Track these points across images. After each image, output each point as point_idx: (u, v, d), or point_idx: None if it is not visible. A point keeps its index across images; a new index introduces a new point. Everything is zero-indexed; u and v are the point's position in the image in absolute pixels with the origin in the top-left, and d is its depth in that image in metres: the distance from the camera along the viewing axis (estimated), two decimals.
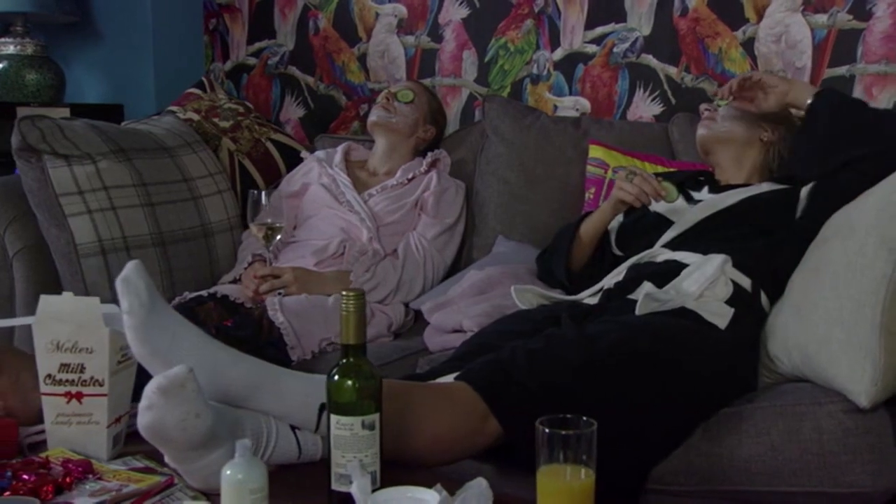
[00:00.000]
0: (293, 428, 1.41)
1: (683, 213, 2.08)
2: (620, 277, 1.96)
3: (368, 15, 3.20)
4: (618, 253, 2.14)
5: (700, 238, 1.99)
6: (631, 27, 2.80)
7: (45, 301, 1.41)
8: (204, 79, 3.06)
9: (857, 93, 2.53)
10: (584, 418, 1.15)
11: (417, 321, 2.38)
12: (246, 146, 2.81)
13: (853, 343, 1.57)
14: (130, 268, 1.32)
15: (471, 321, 2.01)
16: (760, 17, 2.63)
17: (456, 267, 2.56)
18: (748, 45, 2.66)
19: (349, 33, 3.24)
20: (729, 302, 1.83)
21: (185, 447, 1.25)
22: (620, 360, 1.62)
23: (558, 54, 2.91)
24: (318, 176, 2.61)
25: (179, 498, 1.28)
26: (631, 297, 1.86)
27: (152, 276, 2.30)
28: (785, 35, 2.62)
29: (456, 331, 2.06)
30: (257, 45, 3.44)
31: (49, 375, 1.41)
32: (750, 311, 1.84)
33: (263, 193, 2.23)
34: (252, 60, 3.45)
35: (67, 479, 1.23)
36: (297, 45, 3.35)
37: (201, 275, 2.46)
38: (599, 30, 2.84)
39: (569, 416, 1.15)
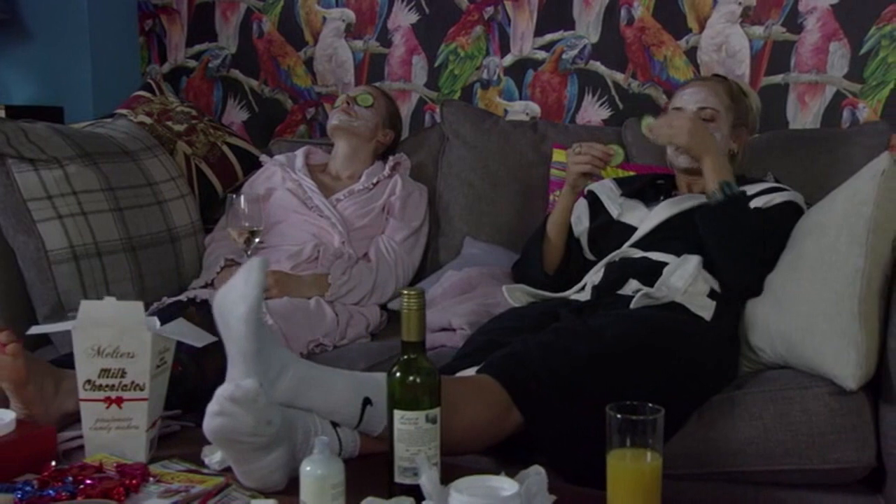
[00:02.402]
0: (334, 426, 1.45)
1: (646, 216, 2.18)
2: (601, 274, 2.06)
3: (315, 19, 3.22)
4: (590, 257, 2.23)
5: (669, 239, 2.09)
6: (579, 35, 2.91)
7: (86, 306, 1.40)
8: (151, 81, 3.02)
9: (791, 100, 2.72)
10: (650, 405, 1.22)
11: (391, 322, 2.43)
12: (202, 150, 2.79)
13: (836, 332, 1.71)
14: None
15: (459, 319, 2.07)
16: (702, 27, 2.79)
17: (422, 268, 2.61)
18: (691, 53, 2.81)
19: (295, 37, 3.25)
20: (709, 296, 1.95)
21: (251, 449, 1.28)
22: (625, 352, 1.72)
23: (508, 60, 3.00)
24: (281, 180, 2.62)
25: (236, 497, 1.30)
26: (620, 292, 1.97)
27: (124, 283, 2.31)
28: (725, 45, 2.78)
29: (444, 329, 2.11)
30: (197, 47, 3.41)
31: (89, 381, 1.40)
32: (728, 305, 1.96)
33: (243, 197, 2.23)
34: (192, 63, 3.42)
35: (133, 482, 1.24)
36: (240, 47, 3.34)
37: (169, 280, 2.44)
38: (549, 37, 2.95)
39: (635, 402, 1.22)
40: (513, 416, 1.60)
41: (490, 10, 3.00)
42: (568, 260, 2.20)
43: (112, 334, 1.39)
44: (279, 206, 2.55)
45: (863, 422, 1.71)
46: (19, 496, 1.18)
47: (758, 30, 2.74)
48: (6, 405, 1.54)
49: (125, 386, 1.41)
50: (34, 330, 1.51)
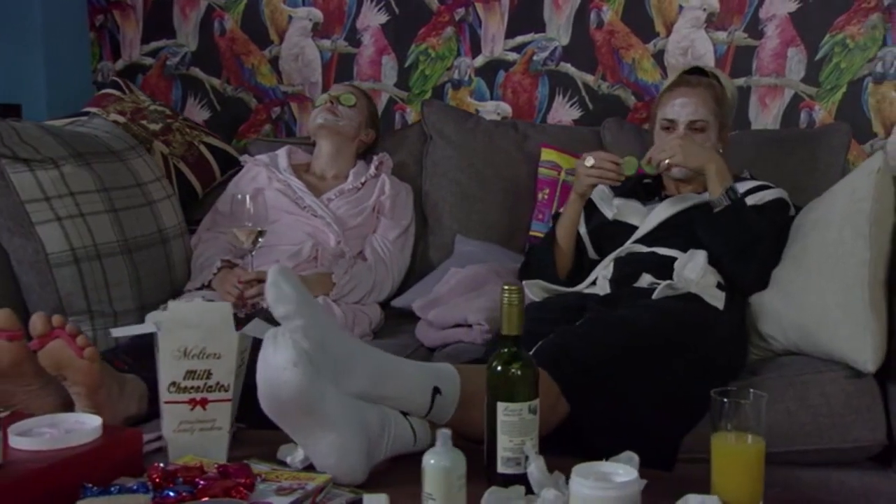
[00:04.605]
0: (405, 415, 1.47)
1: (644, 215, 2.27)
2: (611, 269, 2.15)
3: (281, 18, 3.20)
4: (594, 256, 2.30)
5: (671, 235, 2.18)
6: (550, 37, 2.99)
7: (174, 308, 1.39)
8: (118, 79, 2.95)
9: (753, 102, 2.87)
10: (752, 391, 1.30)
11: (388, 320, 2.45)
12: (179, 150, 2.74)
13: (850, 319, 1.84)
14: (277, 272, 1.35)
15: (476, 315, 2.12)
16: (669, 31, 2.91)
17: (412, 266, 2.64)
18: (658, 56, 2.93)
19: (259, 35, 3.22)
20: (717, 287, 2.06)
21: (294, 408, 1.30)
22: (656, 343, 1.81)
23: (479, 61, 3.06)
24: (268, 181, 2.60)
25: (338, 494, 1.32)
26: (636, 285, 2.06)
27: (123, 285, 2.28)
28: (691, 49, 2.91)
29: (459, 325, 2.16)
30: (153, 44, 3.33)
31: (174, 383, 1.39)
32: (734, 296, 2.08)
33: (248, 197, 2.22)
34: (148, 60, 3.34)
35: (248, 481, 1.24)
36: (200, 45, 3.28)
37: (162, 282, 2.39)
38: (519, 38, 3.02)
39: (736, 387, 1.30)
40: (560, 407, 1.66)
41: (461, 11, 3.05)
42: (580, 263, 2.26)
43: (198, 336, 1.38)
44: (270, 207, 2.50)
45: (875, 403, 1.85)
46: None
47: (721, 35, 2.88)
48: (66, 408, 1.51)
49: (210, 387, 1.40)
50: (117, 332, 1.48)
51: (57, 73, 3.19)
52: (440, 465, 1.21)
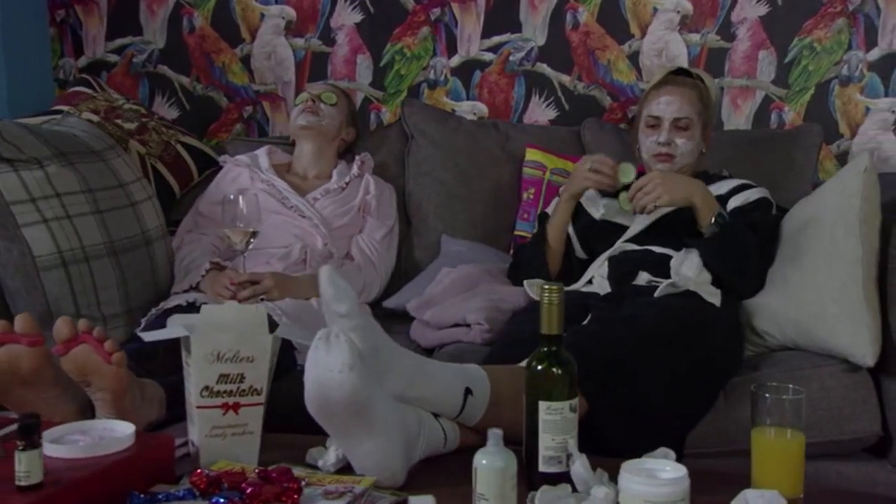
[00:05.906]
0: (436, 417, 1.47)
1: (631, 215, 2.29)
2: (606, 268, 2.17)
3: (252, 16, 3.15)
4: (583, 256, 2.32)
5: (662, 234, 2.22)
6: (526, 37, 3.01)
7: (207, 311, 1.36)
8: (88, 76, 2.87)
9: (725, 103, 2.93)
10: (791, 386, 1.32)
11: (378, 321, 2.42)
12: (156, 149, 2.69)
13: (847, 315, 1.90)
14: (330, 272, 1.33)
15: (475, 315, 2.12)
16: (644, 33, 2.96)
17: (398, 266, 2.63)
18: (633, 57, 2.97)
19: (230, 33, 3.17)
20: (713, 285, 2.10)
21: (343, 410, 1.28)
22: (659, 343, 1.83)
23: (455, 61, 3.06)
24: (250, 181, 2.56)
25: (381, 497, 1.31)
26: (634, 283, 2.09)
27: (111, 289, 2.23)
28: (665, 50, 2.96)
29: (457, 325, 2.15)
30: (119, 41, 3.25)
31: (207, 387, 1.36)
32: (727, 293, 2.12)
33: (241, 197, 2.18)
34: (113, 57, 3.26)
35: (294, 485, 1.22)
36: (168, 43, 3.21)
37: (147, 284, 2.34)
38: (496, 39, 3.03)
39: (775, 383, 1.32)
40: (582, 404, 1.67)
41: (437, 11, 3.05)
42: (570, 262, 2.28)
43: (232, 339, 1.36)
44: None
45: (870, 395, 1.91)
46: None
47: (694, 37, 2.94)
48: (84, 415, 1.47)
49: (243, 391, 1.38)
50: (148, 336, 1.44)
51: (17, 70, 3.09)
52: (494, 465, 1.21)
